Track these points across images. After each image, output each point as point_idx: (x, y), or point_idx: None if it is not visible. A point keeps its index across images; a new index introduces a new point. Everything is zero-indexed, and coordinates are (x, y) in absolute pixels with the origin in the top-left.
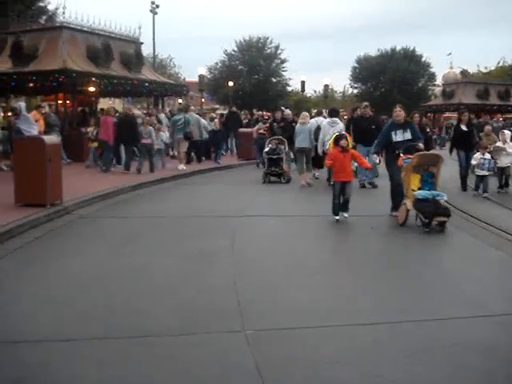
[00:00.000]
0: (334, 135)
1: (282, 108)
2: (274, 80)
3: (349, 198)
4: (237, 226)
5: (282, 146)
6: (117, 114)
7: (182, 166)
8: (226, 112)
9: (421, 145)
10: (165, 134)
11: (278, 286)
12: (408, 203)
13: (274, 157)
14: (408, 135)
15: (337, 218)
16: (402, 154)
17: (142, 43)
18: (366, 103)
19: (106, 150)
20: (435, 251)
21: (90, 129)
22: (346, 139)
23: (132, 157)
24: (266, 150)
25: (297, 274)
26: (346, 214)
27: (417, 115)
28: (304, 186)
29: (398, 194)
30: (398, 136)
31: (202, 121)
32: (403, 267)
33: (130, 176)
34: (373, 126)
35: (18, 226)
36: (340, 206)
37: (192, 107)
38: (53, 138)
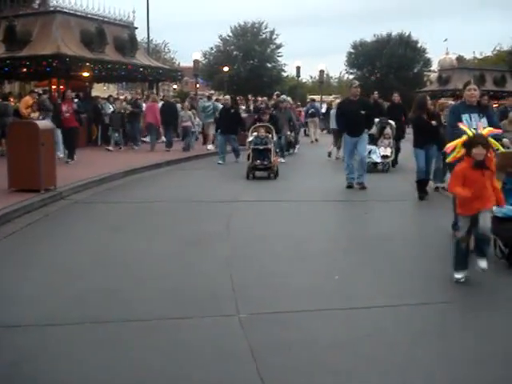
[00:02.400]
0: (467, 136)
1: (278, 93)
2: (269, 65)
3: (487, 235)
4: (232, 211)
5: (270, 135)
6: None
7: (210, 146)
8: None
9: (506, 139)
10: (197, 119)
11: (274, 271)
12: None
13: (261, 147)
14: (485, 122)
15: (459, 276)
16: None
17: (136, 28)
18: (356, 82)
19: (152, 132)
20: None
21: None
22: (486, 144)
23: (172, 137)
24: (250, 139)
25: (293, 258)
26: (483, 264)
27: (396, 95)
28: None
29: None
30: (474, 121)
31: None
32: (402, 252)
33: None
34: (362, 112)
35: (12, 211)
36: (465, 253)
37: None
38: (46, 123)
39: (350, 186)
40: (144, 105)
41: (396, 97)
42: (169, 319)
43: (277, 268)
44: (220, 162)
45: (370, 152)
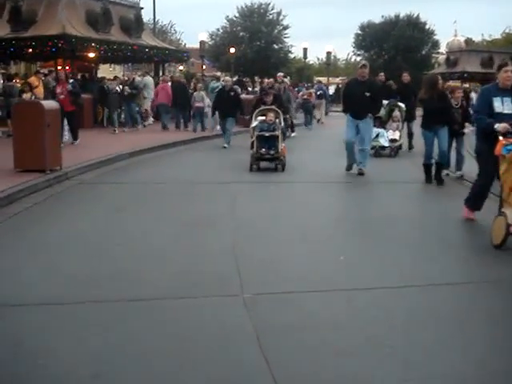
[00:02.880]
0: None
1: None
2: (275, 47)
3: None
4: (237, 192)
5: (278, 120)
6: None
7: (218, 127)
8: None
9: None
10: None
11: (278, 252)
12: (510, 214)
13: (267, 134)
14: None
15: None
16: (501, 137)
17: (142, 8)
18: (363, 62)
19: (164, 111)
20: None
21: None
22: None
23: (186, 118)
24: (255, 124)
25: (297, 240)
26: None
27: (406, 74)
28: None
29: (480, 193)
30: (507, 106)
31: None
32: (406, 235)
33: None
34: (367, 94)
35: (18, 191)
36: None
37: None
38: (52, 103)
39: (349, 168)
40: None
41: (405, 76)
42: (173, 299)
43: (281, 250)
44: (225, 145)
45: (377, 135)
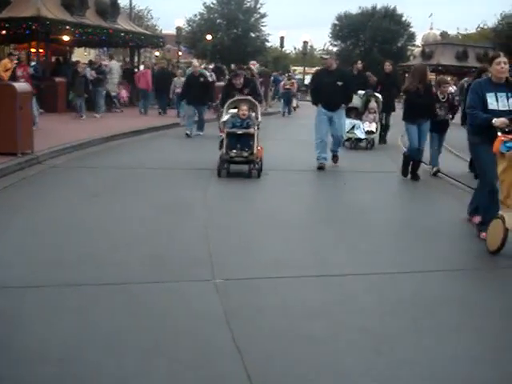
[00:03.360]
0: None
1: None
2: (252, 35)
3: None
4: (211, 178)
5: (253, 114)
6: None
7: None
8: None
9: None
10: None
11: (250, 238)
12: (508, 218)
13: (240, 132)
14: None
15: None
16: (500, 133)
17: None
18: (325, 56)
19: (145, 97)
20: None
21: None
22: None
23: (166, 103)
24: (225, 118)
25: (272, 226)
26: None
27: (388, 63)
28: None
29: (491, 203)
30: (501, 102)
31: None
32: (378, 223)
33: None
34: (339, 83)
35: None
36: None
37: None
38: (24, 86)
39: (321, 167)
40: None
41: (387, 66)
42: (144, 283)
43: (254, 235)
44: (188, 132)
45: (353, 127)
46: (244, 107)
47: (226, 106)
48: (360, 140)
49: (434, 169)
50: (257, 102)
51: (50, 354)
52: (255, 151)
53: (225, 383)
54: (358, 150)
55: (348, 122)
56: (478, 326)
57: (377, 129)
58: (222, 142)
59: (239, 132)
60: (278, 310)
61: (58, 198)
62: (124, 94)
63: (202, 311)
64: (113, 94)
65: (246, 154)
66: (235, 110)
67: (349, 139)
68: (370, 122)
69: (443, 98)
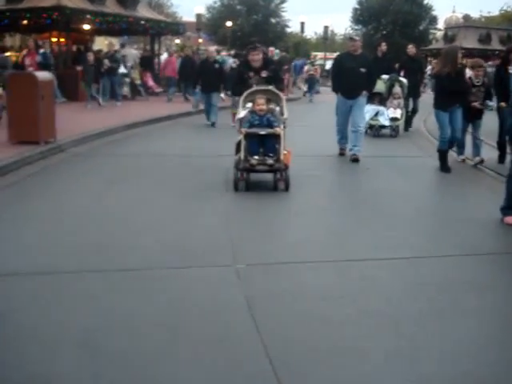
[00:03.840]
0: None
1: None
2: (273, 21)
3: None
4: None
5: (277, 108)
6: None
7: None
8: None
9: None
10: None
11: (271, 223)
12: None
13: (262, 132)
14: None
15: None
16: None
17: None
18: (352, 35)
19: (171, 84)
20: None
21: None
22: None
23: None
24: (242, 114)
25: (292, 211)
26: None
27: (411, 46)
28: None
29: None
30: None
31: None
32: (403, 207)
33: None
34: (362, 69)
35: (11, 163)
36: None
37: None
38: (46, 75)
39: (342, 153)
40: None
41: (411, 49)
42: (165, 269)
43: (274, 221)
44: (213, 121)
45: (377, 114)
46: (260, 101)
47: (242, 99)
48: (384, 127)
49: (461, 157)
50: (281, 94)
51: (69, 339)
52: (282, 157)
53: (246, 365)
54: (382, 138)
55: (371, 109)
56: (500, 311)
57: (402, 115)
58: (238, 144)
59: (262, 133)
60: (298, 295)
61: (79, 185)
62: (150, 81)
63: (223, 295)
64: (137, 82)
65: (270, 162)
66: (250, 105)
67: (372, 126)
68: (395, 108)
69: (478, 82)
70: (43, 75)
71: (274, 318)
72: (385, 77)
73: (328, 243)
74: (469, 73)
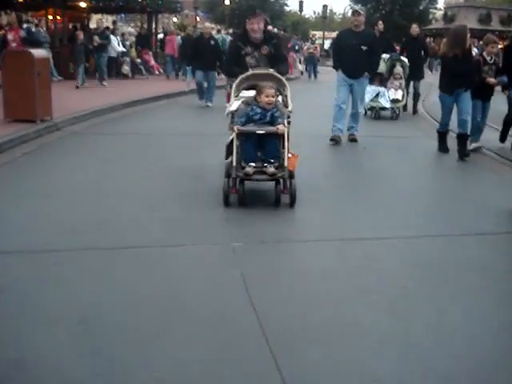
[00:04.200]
0: None
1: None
2: None
3: None
4: None
5: (280, 99)
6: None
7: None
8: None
9: None
10: None
11: (267, 203)
12: None
13: (261, 132)
14: None
15: None
16: None
17: None
18: (356, 8)
19: (171, 62)
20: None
21: None
22: None
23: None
24: (235, 107)
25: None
26: None
27: (415, 26)
28: None
29: None
30: None
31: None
32: (402, 187)
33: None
34: (363, 47)
35: (7, 141)
36: None
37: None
38: (42, 52)
39: (334, 139)
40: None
41: (414, 28)
42: (161, 247)
43: (270, 200)
44: (209, 104)
45: (377, 95)
46: (270, 91)
47: (236, 84)
48: (384, 109)
49: (473, 144)
50: (284, 80)
51: (68, 316)
52: (285, 162)
53: (242, 343)
54: (383, 121)
55: (371, 90)
56: (499, 291)
57: (403, 96)
58: (229, 145)
59: (260, 132)
60: (295, 273)
61: (76, 163)
62: (152, 60)
63: (219, 273)
64: (138, 60)
65: (272, 170)
66: (250, 93)
67: (372, 108)
68: (396, 90)
69: (490, 60)
70: (39, 53)
71: (271, 295)
72: (385, 56)
73: (326, 222)
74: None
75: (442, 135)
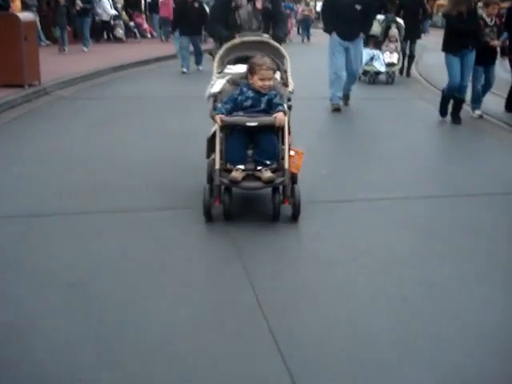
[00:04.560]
0: None
1: None
2: None
3: None
4: None
5: (277, 75)
6: None
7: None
8: None
9: None
10: None
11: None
12: None
13: (252, 124)
14: None
15: None
16: None
17: None
18: None
19: (165, 25)
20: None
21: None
22: None
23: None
24: (217, 88)
25: None
26: None
27: None
28: None
29: None
30: None
31: None
32: (389, 147)
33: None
34: (357, 7)
35: None
36: None
37: None
38: (28, 15)
39: (336, 109)
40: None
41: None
42: (153, 211)
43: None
44: (184, 70)
45: (372, 58)
46: (267, 73)
47: (219, 55)
48: (379, 73)
49: (476, 112)
50: (282, 50)
51: (57, 279)
52: (286, 163)
53: (231, 301)
54: (377, 86)
55: (366, 53)
56: (492, 252)
57: (399, 60)
58: (211, 140)
59: (251, 124)
60: (286, 235)
61: (65, 128)
62: (144, 24)
63: (211, 234)
64: (131, 24)
65: (268, 175)
66: (239, 68)
67: (366, 72)
68: (391, 53)
69: (491, 22)
70: (26, 16)
71: (262, 257)
72: (380, 17)
73: (317, 184)
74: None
75: (445, 99)
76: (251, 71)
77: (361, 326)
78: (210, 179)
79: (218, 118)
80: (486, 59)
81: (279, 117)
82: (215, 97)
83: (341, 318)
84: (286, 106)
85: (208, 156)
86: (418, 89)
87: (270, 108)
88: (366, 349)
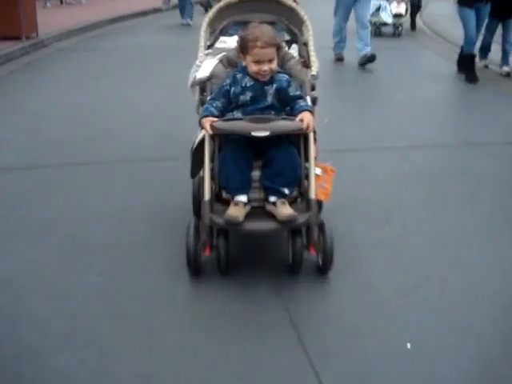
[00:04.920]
0: None
1: None
2: None
3: None
4: None
5: (293, 48)
6: None
7: None
8: None
9: None
10: None
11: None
12: None
13: (262, 134)
14: None
15: None
16: None
17: None
18: None
19: None
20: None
21: None
22: None
23: None
24: (205, 73)
25: None
26: None
27: None
28: None
29: None
30: None
31: None
32: (392, 100)
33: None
34: None
35: None
36: None
37: None
38: None
39: (339, 59)
40: None
41: None
42: (153, 161)
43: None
44: (189, 21)
45: (378, 9)
46: (266, 52)
47: (209, 17)
48: (386, 25)
49: (482, 61)
50: (299, 10)
51: (56, 231)
52: (312, 191)
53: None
54: (384, 38)
55: (372, 3)
56: (496, 201)
57: (407, 10)
58: (197, 150)
59: (261, 135)
60: None
61: (64, 80)
62: None
63: None
64: None
65: (286, 212)
66: (229, 41)
67: (372, 24)
68: (399, 3)
69: None
70: None
71: None
72: None
73: (321, 133)
74: None
75: (468, 59)
76: (242, 49)
77: (363, 273)
78: (198, 211)
79: (206, 123)
80: (503, 13)
81: (307, 119)
82: (203, 84)
83: (341, 264)
84: (309, 99)
85: (193, 174)
86: (423, 39)
87: (282, 102)
88: (367, 297)
